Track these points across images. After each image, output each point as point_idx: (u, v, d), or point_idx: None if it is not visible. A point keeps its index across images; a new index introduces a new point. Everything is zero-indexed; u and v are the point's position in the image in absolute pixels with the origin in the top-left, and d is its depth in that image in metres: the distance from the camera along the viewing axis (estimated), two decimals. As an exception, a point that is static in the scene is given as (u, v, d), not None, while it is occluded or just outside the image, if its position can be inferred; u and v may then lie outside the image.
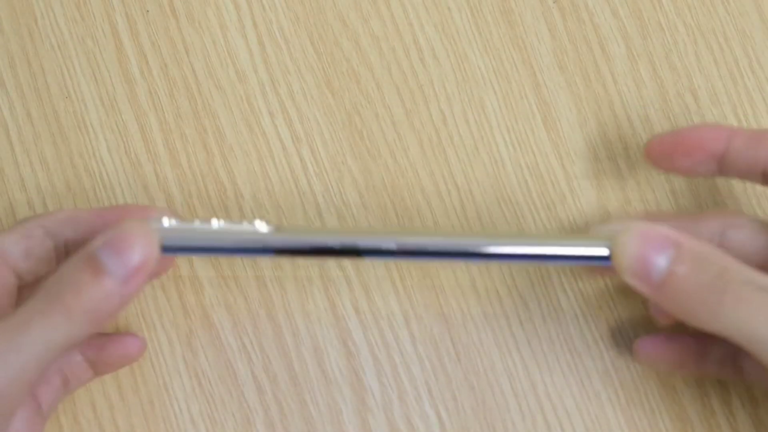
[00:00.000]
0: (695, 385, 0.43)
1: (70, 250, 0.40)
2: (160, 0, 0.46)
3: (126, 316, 0.43)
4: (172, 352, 0.43)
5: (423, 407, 0.43)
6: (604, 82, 0.46)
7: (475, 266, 0.44)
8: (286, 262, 0.44)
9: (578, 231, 0.45)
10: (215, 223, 0.37)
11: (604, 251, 0.37)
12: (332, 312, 0.44)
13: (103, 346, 0.41)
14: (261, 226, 0.37)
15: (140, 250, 0.35)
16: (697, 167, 0.40)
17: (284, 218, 0.44)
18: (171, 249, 0.37)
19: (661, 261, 0.36)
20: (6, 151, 0.45)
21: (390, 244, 0.37)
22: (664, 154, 0.41)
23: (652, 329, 0.43)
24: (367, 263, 0.44)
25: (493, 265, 0.44)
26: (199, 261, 0.44)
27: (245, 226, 0.37)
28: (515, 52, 0.47)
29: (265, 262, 0.44)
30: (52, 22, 0.46)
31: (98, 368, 0.41)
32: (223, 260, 0.44)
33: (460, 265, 0.43)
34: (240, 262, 0.44)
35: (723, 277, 0.35)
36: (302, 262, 0.43)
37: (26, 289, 0.40)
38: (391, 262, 0.44)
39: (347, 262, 0.44)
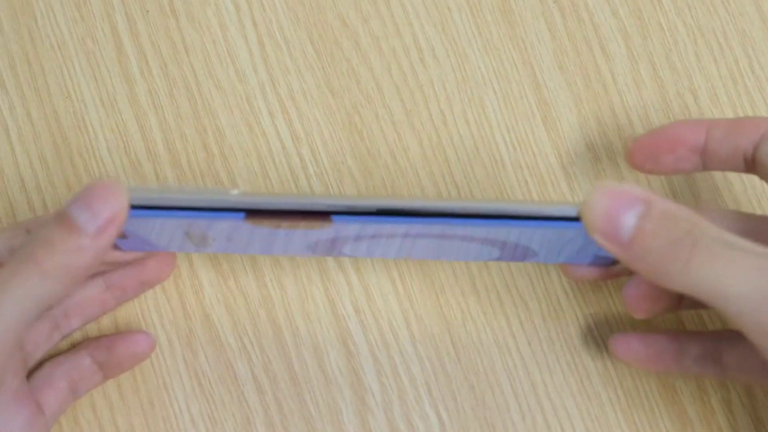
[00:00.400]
0: (695, 385, 0.43)
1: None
2: (160, 0, 0.46)
3: (126, 316, 0.43)
4: (172, 352, 0.43)
5: (423, 407, 0.43)
6: (604, 82, 0.46)
7: (474, 266, 0.44)
8: (286, 260, 0.44)
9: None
10: (186, 186, 0.37)
11: (572, 212, 0.36)
12: (332, 312, 0.44)
13: (113, 345, 0.41)
14: (232, 190, 0.37)
15: (110, 201, 0.35)
16: (680, 163, 0.40)
17: (284, 218, 0.45)
18: (140, 207, 0.36)
19: (629, 218, 0.35)
20: (6, 151, 0.45)
21: (358, 203, 0.36)
22: (646, 154, 0.41)
23: (652, 329, 0.43)
24: (368, 263, 0.44)
25: (492, 263, 0.44)
26: (199, 261, 0.44)
27: (215, 188, 0.37)
28: (515, 52, 0.47)
29: (265, 261, 0.44)
30: (52, 22, 0.46)
31: (108, 370, 0.41)
32: (223, 260, 0.44)
33: (431, 234, 0.42)
34: (240, 261, 0.44)
35: (692, 233, 0.35)
36: (268, 223, 0.42)
37: None
38: (392, 263, 0.44)
39: (347, 263, 0.44)
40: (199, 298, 0.44)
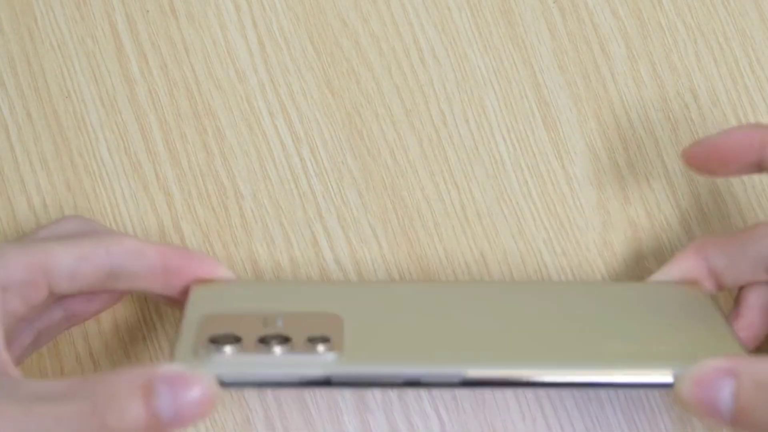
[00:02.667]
0: (695, 385, 0.43)
1: (122, 278, 0.38)
2: (160, 0, 0.46)
3: (126, 317, 0.43)
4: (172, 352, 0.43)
5: (423, 407, 0.43)
6: (604, 82, 0.46)
7: (474, 265, 0.44)
8: (286, 261, 0.44)
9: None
10: (278, 351, 0.35)
11: (668, 379, 0.36)
12: (332, 312, 0.44)
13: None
14: (325, 354, 0.35)
15: (198, 398, 0.33)
16: (739, 171, 0.40)
17: (284, 218, 0.44)
18: (229, 384, 0.35)
19: (725, 397, 0.35)
20: (6, 151, 0.45)
21: (454, 378, 0.35)
22: (708, 159, 0.40)
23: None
24: (369, 266, 0.44)
25: (492, 261, 0.44)
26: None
27: (309, 355, 0.35)
28: (515, 52, 0.47)
29: (266, 261, 0.44)
30: (52, 22, 0.46)
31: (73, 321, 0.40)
32: (223, 260, 0.44)
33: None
34: (240, 263, 0.44)
35: None
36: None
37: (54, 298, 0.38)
38: (392, 265, 0.44)
39: (347, 264, 0.44)
40: (199, 298, 0.44)
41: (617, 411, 0.43)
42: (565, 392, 0.43)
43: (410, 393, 0.43)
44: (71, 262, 0.37)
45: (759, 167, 0.40)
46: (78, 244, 0.38)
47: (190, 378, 0.33)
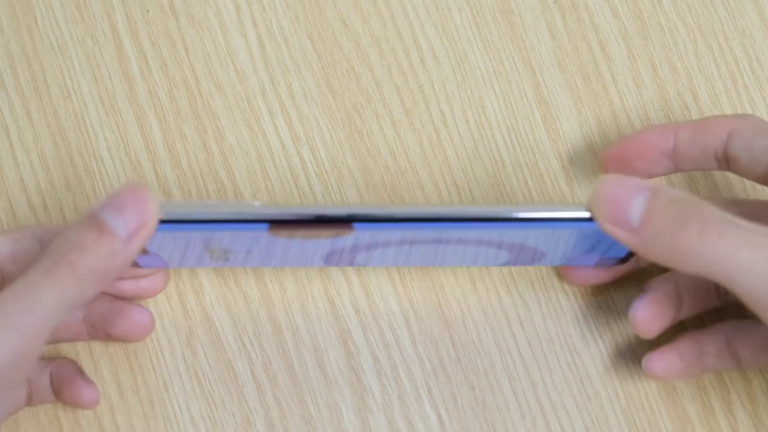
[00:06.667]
0: (695, 385, 0.43)
1: None
2: (160, 0, 0.46)
3: (126, 316, 0.43)
4: (172, 352, 0.43)
5: (423, 407, 0.43)
6: (604, 82, 0.46)
7: (475, 267, 0.44)
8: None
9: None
10: (209, 201, 0.37)
11: (584, 213, 0.37)
12: (332, 312, 0.44)
13: (66, 382, 0.41)
14: (254, 202, 0.38)
15: (141, 208, 0.35)
16: (652, 167, 0.41)
17: (284, 218, 0.45)
18: (168, 221, 0.37)
19: (638, 203, 0.36)
20: (6, 151, 0.45)
21: (380, 212, 0.37)
22: (619, 161, 0.41)
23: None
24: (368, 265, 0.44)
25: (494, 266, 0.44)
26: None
27: (239, 201, 0.38)
28: (515, 52, 0.47)
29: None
30: (52, 22, 0.46)
31: (58, 397, 0.41)
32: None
33: (444, 238, 0.43)
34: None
35: (701, 212, 0.35)
36: (290, 234, 0.42)
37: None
38: (393, 267, 0.44)
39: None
40: (199, 298, 0.44)
41: (617, 411, 0.43)
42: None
43: (410, 393, 0.43)
44: (7, 244, 0.39)
45: (674, 163, 0.41)
46: (10, 231, 0.40)
47: (126, 191, 0.36)
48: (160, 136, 0.45)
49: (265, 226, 0.37)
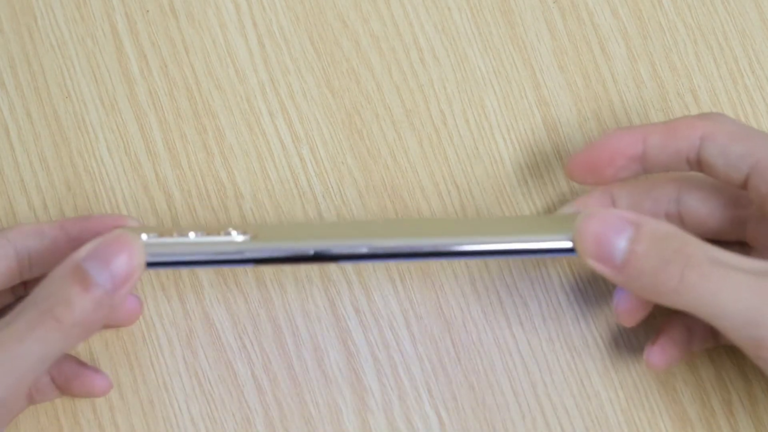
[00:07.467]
0: (695, 385, 0.43)
1: (34, 261, 0.40)
2: (160, 0, 0.46)
3: (126, 316, 0.43)
4: (172, 352, 0.43)
5: (423, 407, 0.43)
6: (604, 82, 0.46)
7: (474, 266, 0.44)
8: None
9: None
10: (192, 236, 0.38)
11: (567, 244, 0.37)
12: (332, 312, 0.44)
13: (72, 378, 0.41)
14: (237, 237, 0.38)
15: (126, 260, 0.36)
16: (621, 173, 0.40)
17: (284, 218, 0.45)
18: (154, 264, 0.37)
19: (620, 242, 0.36)
20: (6, 151, 0.45)
21: (362, 248, 0.38)
22: (586, 170, 0.41)
23: (651, 330, 0.43)
24: (368, 266, 0.44)
25: (492, 263, 0.44)
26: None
27: (223, 238, 0.38)
28: (515, 52, 0.47)
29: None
30: (52, 22, 0.46)
31: (63, 392, 0.42)
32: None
33: (433, 262, 0.44)
34: (240, 262, 0.44)
35: (683, 252, 0.35)
36: (286, 268, 0.44)
37: None
38: (392, 265, 0.44)
39: (347, 264, 0.44)
40: (199, 298, 0.44)
41: (617, 411, 0.43)
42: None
43: (410, 393, 0.43)
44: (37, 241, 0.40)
45: (642, 166, 0.40)
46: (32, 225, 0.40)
47: (110, 241, 0.36)
48: (160, 136, 0.45)
49: (250, 264, 0.38)
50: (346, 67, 0.46)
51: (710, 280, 0.35)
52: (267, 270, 0.44)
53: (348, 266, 0.44)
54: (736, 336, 0.36)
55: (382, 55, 0.46)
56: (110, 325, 0.42)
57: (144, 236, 0.37)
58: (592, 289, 0.44)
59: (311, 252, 0.38)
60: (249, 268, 0.44)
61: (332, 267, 0.44)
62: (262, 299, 0.44)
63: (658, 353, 0.41)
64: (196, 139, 0.45)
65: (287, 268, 0.44)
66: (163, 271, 0.44)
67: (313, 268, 0.44)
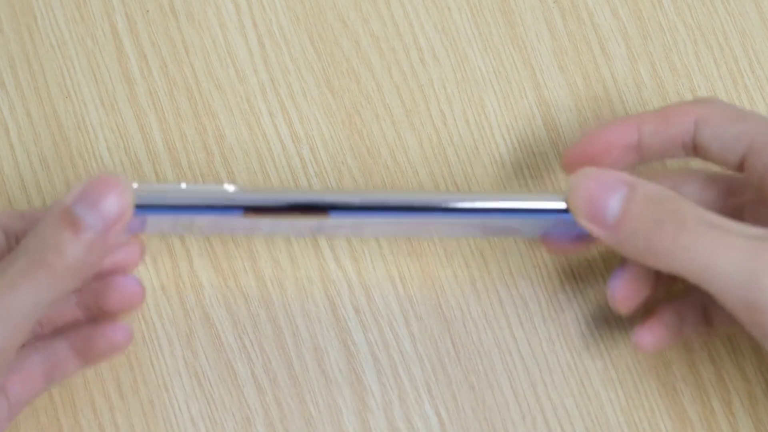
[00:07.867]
0: (695, 385, 0.43)
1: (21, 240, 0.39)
2: (160, 0, 0.46)
3: (126, 317, 0.43)
4: (172, 352, 0.43)
5: (423, 407, 0.43)
6: (604, 82, 0.46)
7: (474, 266, 0.44)
8: (286, 260, 0.44)
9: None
10: (183, 185, 0.38)
11: (561, 204, 0.37)
12: (332, 312, 0.44)
13: (91, 335, 0.40)
14: (228, 187, 0.38)
15: (115, 199, 0.35)
16: (617, 163, 0.40)
17: (284, 218, 0.45)
18: (143, 207, 0.37)
19: (614, 201, 0.36)
20: (6, 150, 0.45)
21: (354, 199, 0.38)
22: (582, 162, 0.40)
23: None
24: (368, 263, 0.44)
25: (492, 263, 0.44)
26: (199, 261, 0.44)
27: (214, 186, 0.38)
28: (515, 52, 0.47)
29: (266, 262, 0.44)
30: (52, 22, 0.46)
31: (86, 358, 0.41)
32: (224, 260, 0.44)
33: (424, 222, 0.43)
34: (241, 262, 0.44)
35: (677, 212, 0.35)
36: (269, 220, 0.43)
37: None
38: (392, 263, 0.44)
39: (347, 263, 0.44)
40: (199, 298, 0.44)
41: (617, 411, 0.43)
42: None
43: (410, 393, 0.43)
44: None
45: (639, 155, 0.40)
46: None
47: (97, 182, 0.35)
48: (160, 136, 0.45)
49: (239, 211, 0.37)
50: (346, 67, 0.46)
51: (704, 241, 0.35)
52: (267, 270, 0.44)
53: (348, 266, 0.44)
54: (728, 300, 0.35)
55: (382, 55, 0.46)
56: (116, 308, 0.41)
57: (134, 184, 0.37)
58: (593, 290, 0.44)
59: (302, 200, 0.38)
60: (250, 269, 0.44)
61: (332, 266, 0.44)
62: (262, 299, 0.44)
63: (647, 334, 0.41)
64: (196, 139, 0.45)
65: (287, 268, 0.44)
66: (163, 271, 0.44)
67: (314, 268, 0.44)
